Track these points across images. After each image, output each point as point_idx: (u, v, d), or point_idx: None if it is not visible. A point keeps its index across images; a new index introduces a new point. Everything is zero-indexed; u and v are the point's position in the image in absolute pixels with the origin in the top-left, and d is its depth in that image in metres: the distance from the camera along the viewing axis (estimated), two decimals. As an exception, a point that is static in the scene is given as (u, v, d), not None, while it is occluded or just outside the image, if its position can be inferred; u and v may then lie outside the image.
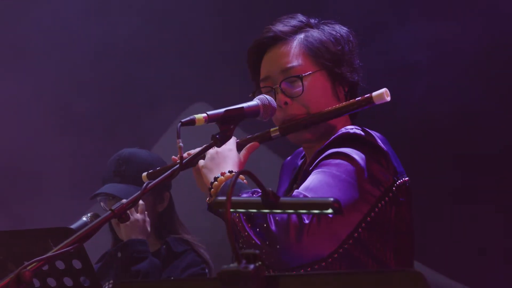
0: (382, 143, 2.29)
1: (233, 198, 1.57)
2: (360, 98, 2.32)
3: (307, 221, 2.10)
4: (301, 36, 2.43)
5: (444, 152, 4.19)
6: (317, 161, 2.27)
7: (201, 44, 4.76)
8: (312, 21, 2.49)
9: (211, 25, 4.72)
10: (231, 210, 1.64)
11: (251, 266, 1.44)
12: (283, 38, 2.43)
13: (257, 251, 1.46)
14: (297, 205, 1.64)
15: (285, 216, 2.10)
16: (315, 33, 2.44)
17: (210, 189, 2.30)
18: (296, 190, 2.19)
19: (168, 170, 2.07)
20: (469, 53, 4.07)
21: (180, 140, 2.01)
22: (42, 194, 4.74)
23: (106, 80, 4.87)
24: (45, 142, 4.81)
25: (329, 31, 2.45)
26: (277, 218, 2.10)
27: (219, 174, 2.29)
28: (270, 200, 1.63)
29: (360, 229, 2.21)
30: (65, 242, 1.84)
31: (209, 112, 2.15)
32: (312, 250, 2.13)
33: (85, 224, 3.05)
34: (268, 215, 2.11)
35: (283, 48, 2.42)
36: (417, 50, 4.18)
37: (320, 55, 2.40)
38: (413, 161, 4.03)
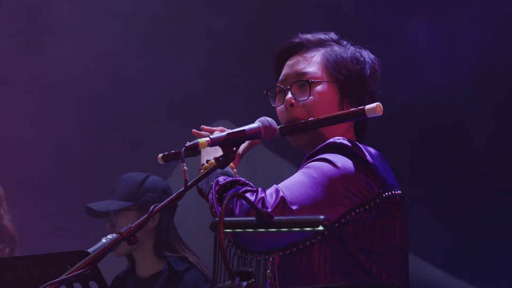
0: (370, 156, 2.35)
1: (227, 218, 1.66)
2: (353, 109, 2.39)
3: (270, 209, 2.19)
4: (326, 48, 2.53)
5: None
6: (303, 165, 2.36)
7: (224, 61, 4.86)
8: (344, 42, 2.58)
9: (234, 43, 4.82)
10: (228, 230, 1.74)
11: (244, 284, 1.53)
12: (308, 46, 2.54)
13: (250, 269, 1.55)
14: (290, 224, 1.73)
15: (251, 200, 2.18)
16: (338, 49, 2.53)
17: (200, 169, 2.41)
18: (274, 184, 2.28)
19: (179, 154, 2.20)
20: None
21: (184, 164, 2.10)
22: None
23: (127, 98, 4.98)
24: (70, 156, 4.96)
25: (353, 51, 2.54)
26: (243, 202, 2.21)
27: (212, 158, 2.38)
28: (264, 219, 1.72)
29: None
30: (76, 265, 1.95)
31: (211, 136, 2.25)
32: (271, 237, 2.24)
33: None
34: (235, 199, 2.20)
35: (305, 55, 2.53)
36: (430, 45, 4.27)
37: (336, 68, 2.49)
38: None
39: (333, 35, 2.58)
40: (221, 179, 2.30)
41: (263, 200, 2.21)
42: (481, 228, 4.23)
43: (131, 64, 4.97)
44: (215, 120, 4.80)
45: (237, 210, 2.20)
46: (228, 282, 1.55)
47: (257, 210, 1.70)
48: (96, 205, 3.68)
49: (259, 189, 2.26)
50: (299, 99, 2.47)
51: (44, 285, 1.93)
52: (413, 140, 4.35)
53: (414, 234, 4.14)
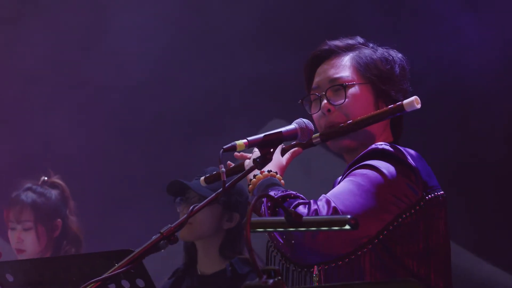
0: (412, 159, 2.39)
1: (256, 219, 1.73)
2: (392, 105, 2.45)
3: None
4: (354, 52, 2.58)
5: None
6: (348, 172, 2.41)
7: (277, 61, 4.91)
8: (370, 44, 2.63)
9: (287, 44, 4.87)
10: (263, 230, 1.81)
11: (270, 281, 1.60)
12: (337, 52, 2.59)
13: (277, 267, 1.62)
14: (318, 223, 1.79)
15: (303, 213, 2.25)
16: (367, 51, 2.59)
17: (248, 185, 2.46)
18: (322, 195, 2.33)
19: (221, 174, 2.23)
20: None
21: (222, 166, 2.17)
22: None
23: (184, 99, 5.08)
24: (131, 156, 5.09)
25: (382, 52, 2.60)
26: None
27: (258, 173, 2.43)
28: (293, 219, 1.78)
29: (381, 236, 2.32)
30: (119, 264, 2.04)
31: (249, 138, 2.32)
32: (326, 248, 2.27)
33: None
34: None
35: (335, 61, 2.58)
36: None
37: (368, 69, 2.54)
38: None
39: (359, 39, 2.63)
40: (272, 193, 2.34)
41: (316, 211, 2.26)
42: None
43: (183, 63, 5.07)
44: (269, 119, 4.88)
45: None
46: (256, 280, 1.62)
47: (286, 210, 1.76)
48: (191, 184, 3.66)
49: (311, 201, 2.30)
50: (335, 104, 2.52)
51: (89, 282, 2.02)
52: (446, 130, 4.37)
53: (470, 231, 4.17)
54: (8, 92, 5.21)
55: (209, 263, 3.67)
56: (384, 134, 2.54)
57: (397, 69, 2.57)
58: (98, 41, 5.14)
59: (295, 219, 1.77)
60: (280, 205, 1.75)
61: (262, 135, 2.34)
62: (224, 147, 2.26)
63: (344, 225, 1.74)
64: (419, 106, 2.40)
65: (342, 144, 2.52)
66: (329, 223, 1.77)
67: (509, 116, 4.20)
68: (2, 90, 5.19)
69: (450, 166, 4.15)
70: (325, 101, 2.53)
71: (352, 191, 2.31)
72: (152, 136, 5.14)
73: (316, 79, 2.60)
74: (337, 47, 2.59)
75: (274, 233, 2.31)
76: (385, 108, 2.47)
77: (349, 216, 1.75)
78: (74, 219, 4.16)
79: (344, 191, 2.32)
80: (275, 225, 1.81)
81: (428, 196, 2.38)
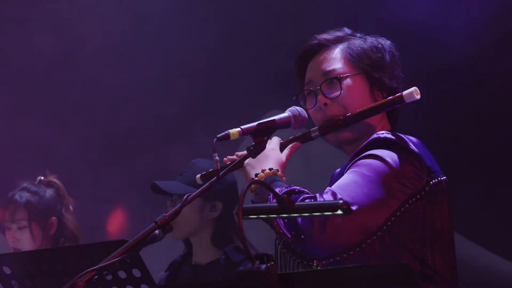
0: (414, 145, 2.40)
1: (249, 205, 1.74)
2: (391, 97, 2.45)
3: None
4: (344, 44, 2.59)
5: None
6: (351, 163, 2.41)
7: (275, 52, 4.93)
8: (358, 34, 2.64)
9: (285, 36, 4.88)
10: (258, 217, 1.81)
11: (263, 266, 1.60)
12: (326, 45, 2.59)
13: (270, 253, 1.63)
14: (310, 209, 1.80)
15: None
16: (357, 41, 2.60)
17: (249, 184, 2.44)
18: (328, 188, 2.32)
19: (221, 170, 2.24)
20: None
21: (216, 154, 2.18)
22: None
23: (183, 90, 5.10)
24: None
25: (371, 40, 2.61)
26: None
27: (260, 171, 2.43)
28: (285, 205, 1.79)
29: (389, 223, 2.32)
30: (113, 254, 2.04)
31: (242, 126, 2.32)
32: (335, 241, 2.27)
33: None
34: None
35: (326, 54, 2.58)
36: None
37: (360, 60, 2.55)
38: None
39: (347, 30, 2.64)
40: (277, 190, 2.33)
41: None
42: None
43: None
44: (268, 110, 4.90)
45: (298, 218, 2.26)
46: (249, 265, 1.62)
47: (278, 196, 1.77)
48: (163, 184, 3.71)
49: (317, 195, 2.30)
50: (331, 97, 2.52)
51: (84, 272, 2.03)
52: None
53: (469, 219, 4.19)
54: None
55: (203, 254, 3.71)
56: (381, 123, 2.54)
57: (387, 56, 2.58)
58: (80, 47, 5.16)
59: (287, 205, 1.78)
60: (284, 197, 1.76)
61: (255, 123, 2.34)
62: (218, 136, 2.26)
63: (336, 210, 1.74)
64: (418, 96, 2.39)
65: (342, 137, 2.52)
66: (321, 208, 1.77)
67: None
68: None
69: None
70: (320, 95, 2.53)
71: (357, 181, 2.31)
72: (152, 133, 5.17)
73: (309, 74, 2.59)
74: (327, 40, 2.59)
75: (283, 229, 2.30)
76: (384, 100, 2.47)
77: (341, 201, 1.75)
78: (70, 217, 4.19)
79: (350, 182, 2.32)
80: (267, 211, 1.81)
81: (432, 181, 2.39)
